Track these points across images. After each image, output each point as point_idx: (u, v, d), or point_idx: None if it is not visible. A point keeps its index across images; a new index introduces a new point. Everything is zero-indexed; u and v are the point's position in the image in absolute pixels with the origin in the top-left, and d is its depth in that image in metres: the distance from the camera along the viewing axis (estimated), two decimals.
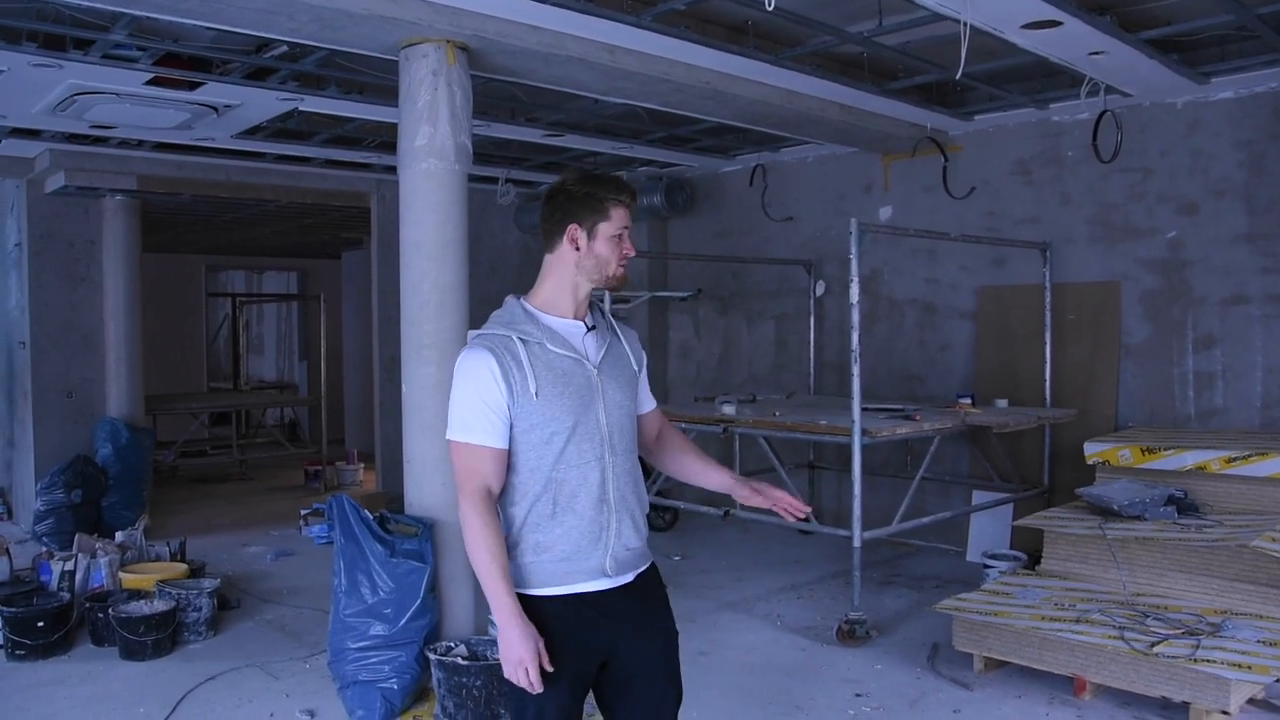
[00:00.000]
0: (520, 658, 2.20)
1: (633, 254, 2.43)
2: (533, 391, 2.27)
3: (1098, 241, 6.47)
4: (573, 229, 2.36)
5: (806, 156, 8.05)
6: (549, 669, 2.23)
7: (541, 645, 2.22)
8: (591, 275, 2.37)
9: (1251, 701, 4.15)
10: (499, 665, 4.19)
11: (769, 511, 2.57)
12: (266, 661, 5.00)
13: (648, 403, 2.60)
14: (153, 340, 10.13)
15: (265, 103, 6.06)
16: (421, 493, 4.66)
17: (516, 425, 2.30)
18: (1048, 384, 6.57)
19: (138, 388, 8.43)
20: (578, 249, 2.36)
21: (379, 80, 5.51)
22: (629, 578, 2.40)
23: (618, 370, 2.42)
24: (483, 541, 2.25)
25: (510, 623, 2.22)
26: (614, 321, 2.52)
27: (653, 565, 2.50)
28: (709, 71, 5.49)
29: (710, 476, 2.63)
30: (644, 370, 2.55)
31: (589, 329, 2.40)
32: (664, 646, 2.47)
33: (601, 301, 2.50)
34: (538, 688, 2.22)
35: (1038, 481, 6.61)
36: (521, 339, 2.31)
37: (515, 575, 2.31)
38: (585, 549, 2.32)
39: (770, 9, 4.26)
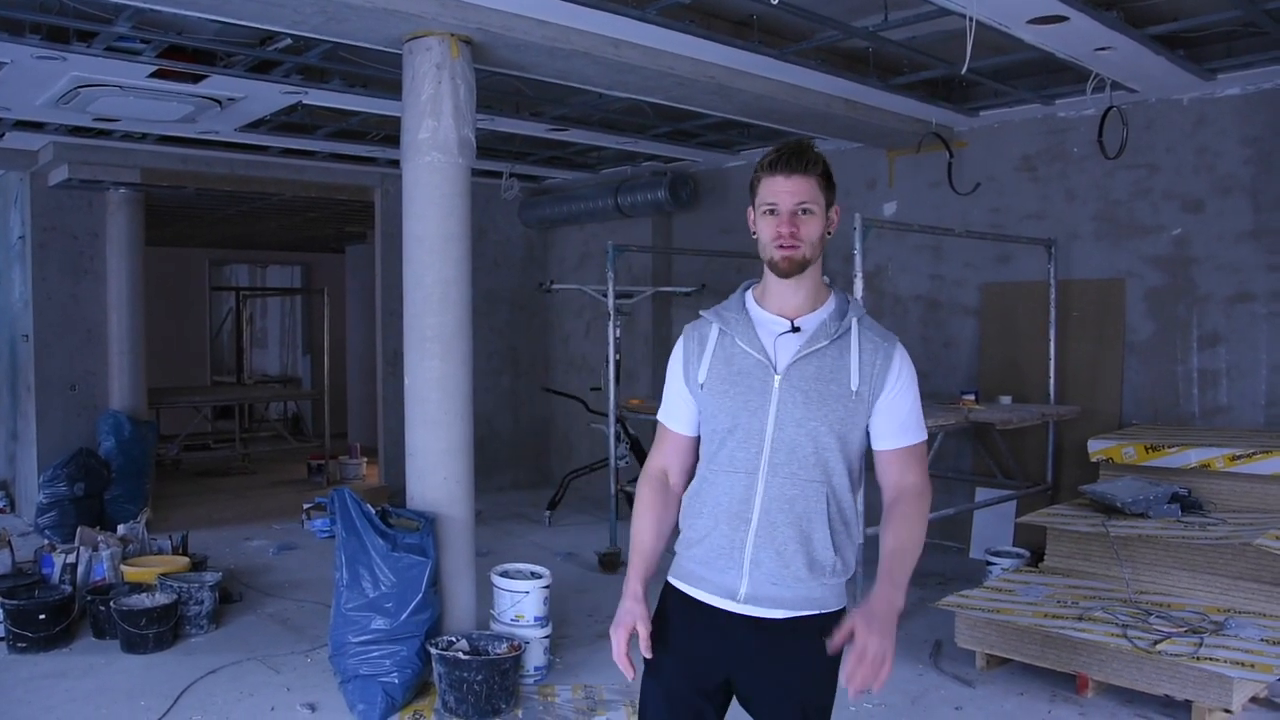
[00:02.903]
0: (615, 622, 2.20)
1: (787, 232, 2.07)
2: (699, 381, 2.18)
3: (1103, 238, 6.45)
4: (749, 211, 2.19)
5: None
6: (645, 654, 2.18)
7: (642, 629, 2.16)
8: (764, 259, 2.14)
9: (1254, 700, 4.13)
10: (500, 660, 4.22)
11: None
12: (268, 655, 5.00)
13: (885, 438, 2.17)
14: (156, 334, 10.14)
15: (269, 96, 6.05)
16: (424, 486, 4.65)
17: (700, 412, 2.23)
18: (1052, 381, 6.55)
19: (141, 381, 8.44)
20: (754, 233, 2.17)
21: (383, 74, 5.50)
22: (770, 614, 2.13)
23: (817, 384, 2.10)
24: (636, 518, 2.31)
25: (624, 594, 2.22)
26: (862, 329, 2.15)
27: (820, 617, 2.13)
28: (714, 66, 5.47)
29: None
30: (885, 395, 2.13)
31: (793, 329, 2.14)
32: (785, 707, 2.15)
33: (851, 302, 2.23)
34: (618, 658, 2.17)
35: (1041, 478, 6.59)
36: (721, 327, 2.19)
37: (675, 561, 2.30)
38: (718, 563, 2.15)
39: (775, 3, 4.24)
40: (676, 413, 2.28)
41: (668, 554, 2.33)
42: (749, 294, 2.23)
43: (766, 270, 2.16)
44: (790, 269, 2.10)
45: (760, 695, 2.17)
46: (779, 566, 2.10)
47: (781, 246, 2.08)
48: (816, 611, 2.14)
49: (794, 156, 2.08)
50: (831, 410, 2.10)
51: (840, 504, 2.14)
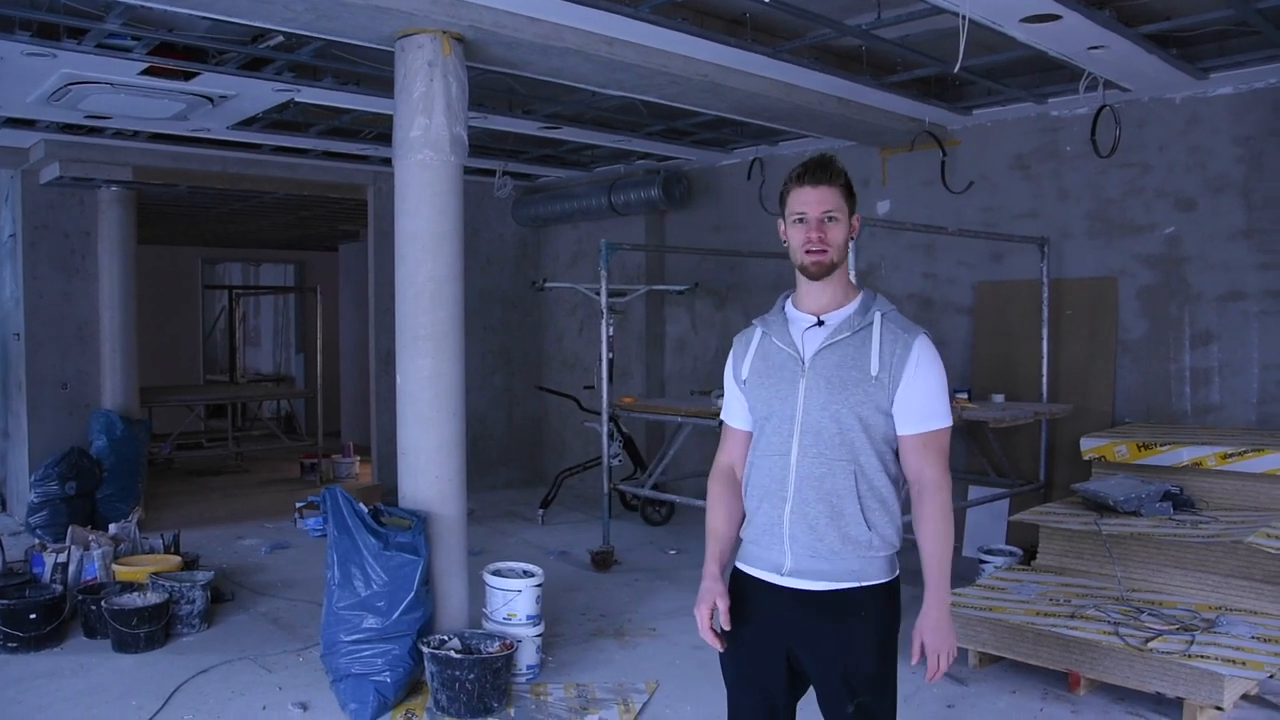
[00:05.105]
0: (698, 600, 2.39)
1: (815, 238, 2.27)
2: (743, 378, 2.44)
3: (1096, 237, 6.46)
4: (779, 222, 2.41)
5: (804, 150, 8.03)
6: (724, 626, 2.36)
7: (721, 604, 2.35)
8: (795, 264, 2.36)
9: (1245, 697, 4.14)
10: (492, 659, 4.22)
11: None
12: (260, 654, 4.99)
13: (905, 423, 2.29)
14: (149, 333, 10.11)
15: (261, 93, 6.03)
16: (416, 485, 4.64)
17: (747, 406, 2.45)
18: (1045, 379, 6.56)
19: (133, 380, 8.41)
20: (784, 242, 2.39)
21: (375, 71, 5.49)
22: (813, 586, 2.30)
23: (839, 371, 2.28)
24: (709, 510, 2.51)
25: (703, 576, 2.41)
26: (885, 322, 2.31)
27: (862, 589, 2.28)
28: (707, 64, 5.47)
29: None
30: (904, 382, 2.26)
31: (817, 323, 2.34)
32: (830, 676, 2.31)
33: (877, 299, 2.41)
34: (703, 633, 2.39)
35: (1034, 477, 6.60)
36: (763, 329, 2.43)
37: None
38: (764, 539, 2.36)
39: (768, 1, 4.24)
40: (733, 411, 2.51)
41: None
42: (788, 300, 2.45)
43: (798, 274, 2.37)
44: (819, 272, 2.32)
45: (810, 663, 2.35)
46: (814, 540, 2.28)
47: (810, 252, 2.30)
48: (856, 584, 2.29)
49: (819, 169, 2.31)
50: (851, 394, 2.27)
51: (871, 481, 2.29)
